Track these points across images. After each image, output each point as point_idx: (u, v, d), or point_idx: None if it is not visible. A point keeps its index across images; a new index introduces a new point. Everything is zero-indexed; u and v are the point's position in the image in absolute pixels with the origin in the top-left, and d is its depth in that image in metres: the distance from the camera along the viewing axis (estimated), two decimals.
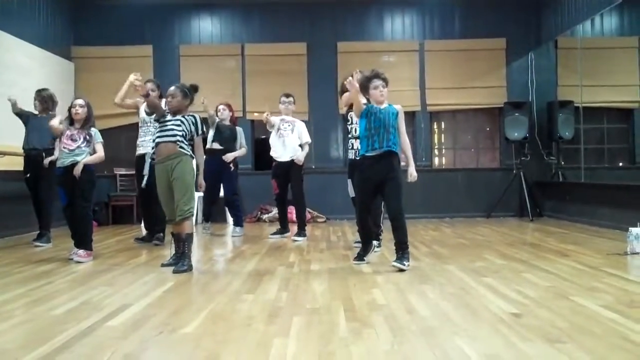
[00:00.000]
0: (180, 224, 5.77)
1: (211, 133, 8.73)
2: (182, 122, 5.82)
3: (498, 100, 11.66)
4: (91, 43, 11.60)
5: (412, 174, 5.79)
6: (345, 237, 8.33)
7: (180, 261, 5.70)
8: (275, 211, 11.00)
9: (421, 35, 11.94)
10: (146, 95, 6.17)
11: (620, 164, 10.85)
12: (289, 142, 8.33)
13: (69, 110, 6.60)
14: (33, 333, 3.54)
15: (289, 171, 8.33)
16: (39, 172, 7.86)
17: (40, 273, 5.66)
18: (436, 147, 12.26)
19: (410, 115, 11.38)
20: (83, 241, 6.49)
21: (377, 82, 5.65)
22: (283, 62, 11.77)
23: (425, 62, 11.80)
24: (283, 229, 8.62)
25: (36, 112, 8.05)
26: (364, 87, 5.69)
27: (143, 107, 7.88)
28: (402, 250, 5.56)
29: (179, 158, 5.75)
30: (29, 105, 8.13)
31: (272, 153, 8.43)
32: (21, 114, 8.01)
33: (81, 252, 6.40)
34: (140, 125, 8.00)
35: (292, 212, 9.25)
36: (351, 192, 6.78)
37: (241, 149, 8.96)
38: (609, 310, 3.83)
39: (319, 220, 11.08)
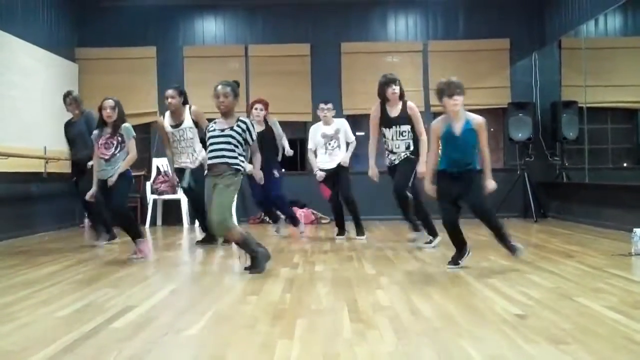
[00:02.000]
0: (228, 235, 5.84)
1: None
2: (232, 136, 5.61)
3: (502, 100, 11.65)
4: (95, 44, 11.61)
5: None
6: (350, 238, 8.32)
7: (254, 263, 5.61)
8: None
9: (425, 36, 11.94)
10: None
11: (625, 165, 10.83)
12: (338, 153, 8.26)
13: (100, 111, 6.62)
14: (37, 335, 3.54)
15: (336, 173, 8.23)
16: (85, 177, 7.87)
17: (44, 275, 5.66)
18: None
19: None
20: (136, 234, 6.60)
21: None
22: (286, 63, 11.77)
23: (429, 62, 11.80)
24: (341, 230, 8.45)
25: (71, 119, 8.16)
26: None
27: (167, 122, 7.77)
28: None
29: (228, 175, 5.60)
30: (33, 106, 8.15)
31: (319, 163, 8.31)
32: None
33: (141, 247, 6.57)
34: (170, 140, 7.82)
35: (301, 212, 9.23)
36: None
37: (283, 142, 8.72)
38: (613, 311, 3.82)
39: (323, 221, 11.07)
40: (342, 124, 8.38)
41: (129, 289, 4.89)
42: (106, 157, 6.54)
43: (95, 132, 6.73)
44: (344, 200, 8.27)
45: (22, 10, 9.63)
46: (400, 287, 4.80)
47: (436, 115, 11.85)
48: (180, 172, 7.75)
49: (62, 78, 10.58)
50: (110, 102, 6.57)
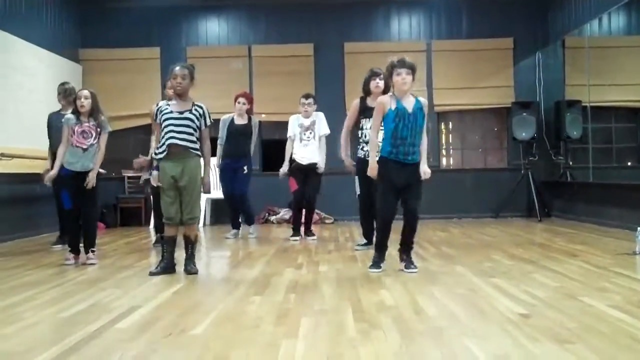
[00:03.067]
0: (191, 226, 5.72)
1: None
2: (191, 119, 5.58)
3: (505, 100, 11.64)
4: (99, 45, 11.63)
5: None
6: (353, 238, 8.32)
7: (191, 262, 5.67)
8: (283, 212, 11.03)
9: (428, 36, 11.93)
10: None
11: (629, 163, 10.82)
12: (312, 145, 8.32)
13: (74, 102, 6.53)
14: (41, 336, 3.55)
15: (310, 171, 8.30)
16: None
17: (49, 275, 5.68)
18: (444, 147, 12.25)
19: None
20: (93, 243, 6.51)
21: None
22: (290, 63, 11.77)
23: (432, 62, 11.79)
24: (297, 232, 8.45)
25: (61, 111, 7.96)
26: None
27: None
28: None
29: (190, 159, 5.59)
30: (36, 107, 8.15)
31: (294, 154, 8.36)
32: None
33: (91, 255, 6.42)
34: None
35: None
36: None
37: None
38: (617, 310, 3.82)
39: (327, 221, 11.07)
40: (318, 116, 8.48)
41: (133, 289, 4.90)
42: (84, 147, 6.34)
43: (70, 116, 6.47)
44: (307, 200, 8.36)
45: (25, 11, 9.65)
46: (404, 286, 4.80)
47: (440, 115, 11.94)
48: None
49: (66, 79, 10.50)
50: (84, 92, 6.42)
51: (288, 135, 8.43)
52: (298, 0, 11.75)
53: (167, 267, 5.61)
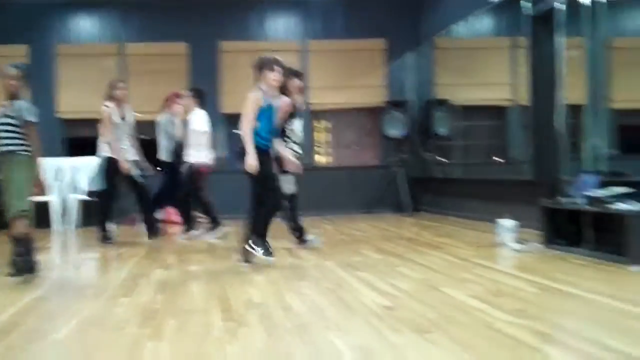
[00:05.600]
0: (14, 222, 5.26)
1: None
2: (12, 117, 5.33)
3: (379, 99, 11.91)
4: None
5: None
6: (227, 238, 8.25)
7: (22, 260, 5.24)
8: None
9: (304, 35, 12.03)
10: None
11: (494, 160, 11.30)
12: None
13: None
14: None
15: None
16: None
17: None
18: (319, 145, 12.40)
19: None
20: None
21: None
22: (164, 61, 11.59)
23: (308, 62, 11.90)
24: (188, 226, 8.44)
25: None
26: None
27: (114, 112, 7.82)
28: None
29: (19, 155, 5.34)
30: None
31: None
32: None
33: None
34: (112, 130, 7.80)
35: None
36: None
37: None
38: (477, 300, 4.00)
39: (200, 221, 10.93)
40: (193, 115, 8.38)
41: None
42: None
43: None
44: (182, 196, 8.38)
45: None
46: (273, 283, 4.83)
47: (315, 113, 12.08)
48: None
49: None
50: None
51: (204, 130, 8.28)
52: None
53: (23, 269, 5.26)
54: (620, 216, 5.24)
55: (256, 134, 5.59)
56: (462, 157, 10.59)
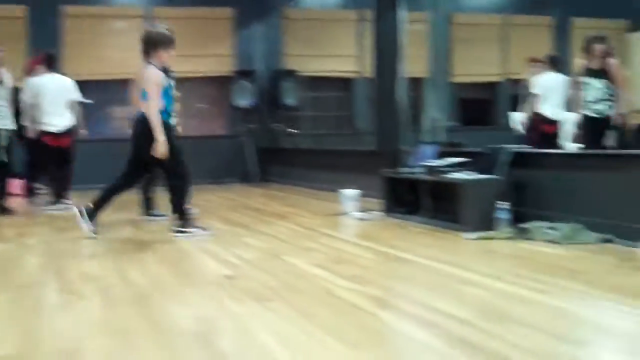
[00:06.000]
0: None
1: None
2: None
3: (227, 68, 11.79)
4: None
5: None
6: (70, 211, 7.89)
7: None
8: None
9: (149, 2, 11.68)
10: None
11: (343, 131, 11.54)
12: None
13: None
14: None
15: None
16: None
17: None
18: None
19: None
20: None
21: None
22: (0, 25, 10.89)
23: None
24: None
25: None
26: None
27: None
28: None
29: None
30: None
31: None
32: None
33: None
34: None
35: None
36: None
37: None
38: (318, 268, 4.07)
39: (38, 191, 10.42)
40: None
41: None
42: None
43: None
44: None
45: None
46: (113, 256, 4.69)
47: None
48: None
49: None
50: None
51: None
52: None
53: None
54: (454, 185, 5.50)
55: (161, 112, 5.35)
56: (310, 127, 10.74)
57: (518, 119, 8.44)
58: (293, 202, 8.14)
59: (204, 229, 5.48)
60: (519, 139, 7.91)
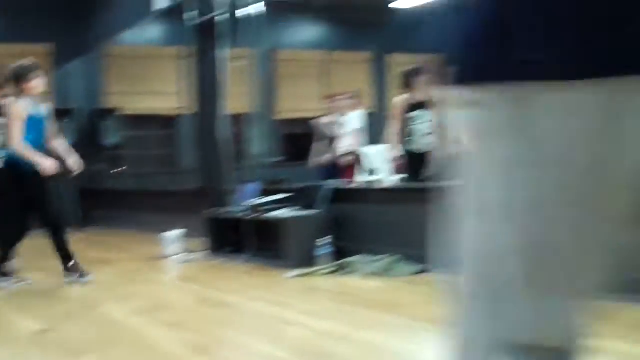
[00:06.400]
0: None
1: None
2: None
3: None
4: None
5: None
6: None
7: None
8: None
9: None
10: None
11: (167, 169, 11.36)
12: None
13: None
14: None
15: None
16: None
17: None
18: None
19: None
20: None
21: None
22: None
23: None
24: None
25: None
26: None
27: None
28: None
29: None
30: None
31: None
32: None
33: None
34: None
35: None
36: None
37: None
38: (137, 315, 4.00)
39: None
40: None
41: None
42: None
43: None
44: None
45: None
46: None
47: None
48: None
49: None
50: None
51: None
52: None
53: None
54: (275, 222, 5.54)
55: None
56: (134, 167, 10.48)
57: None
58: (115, 247, 7.87)
59: (15, 279, 5.17)
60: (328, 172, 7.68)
